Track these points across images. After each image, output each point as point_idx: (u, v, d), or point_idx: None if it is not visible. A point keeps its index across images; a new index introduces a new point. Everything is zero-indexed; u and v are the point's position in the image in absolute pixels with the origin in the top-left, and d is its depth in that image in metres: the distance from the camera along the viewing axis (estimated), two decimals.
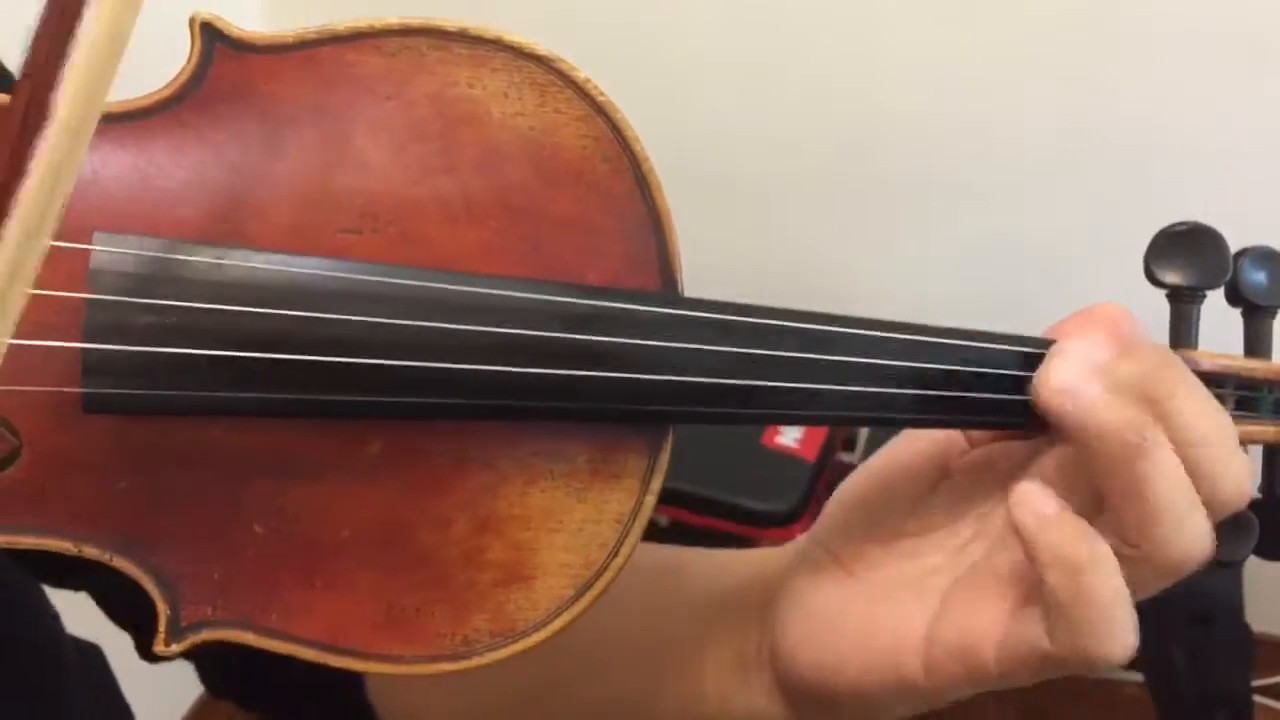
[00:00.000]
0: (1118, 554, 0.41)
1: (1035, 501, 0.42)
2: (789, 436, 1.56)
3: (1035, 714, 1.62)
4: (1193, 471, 0.41)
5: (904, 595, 0.47)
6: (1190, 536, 0.40)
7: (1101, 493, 0.42)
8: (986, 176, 1.53)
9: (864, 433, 1.73)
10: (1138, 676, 1.40)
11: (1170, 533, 0.40)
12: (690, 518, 1.35)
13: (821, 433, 1.58)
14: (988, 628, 0.43)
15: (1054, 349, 0.44)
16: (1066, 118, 1.47)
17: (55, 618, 0.63)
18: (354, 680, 0.62)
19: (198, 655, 0.66)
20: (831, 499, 0.52)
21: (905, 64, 1.51)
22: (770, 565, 0.54)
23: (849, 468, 1.75)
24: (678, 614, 0.56)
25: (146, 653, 0.66)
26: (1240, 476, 0.41)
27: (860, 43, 1.51)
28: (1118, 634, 0.40)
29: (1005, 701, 1.64)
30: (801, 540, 0.53)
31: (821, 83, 1.54)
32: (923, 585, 0.47)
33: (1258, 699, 1.48)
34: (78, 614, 0.64)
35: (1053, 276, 1.51)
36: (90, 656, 0.66)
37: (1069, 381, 0.42)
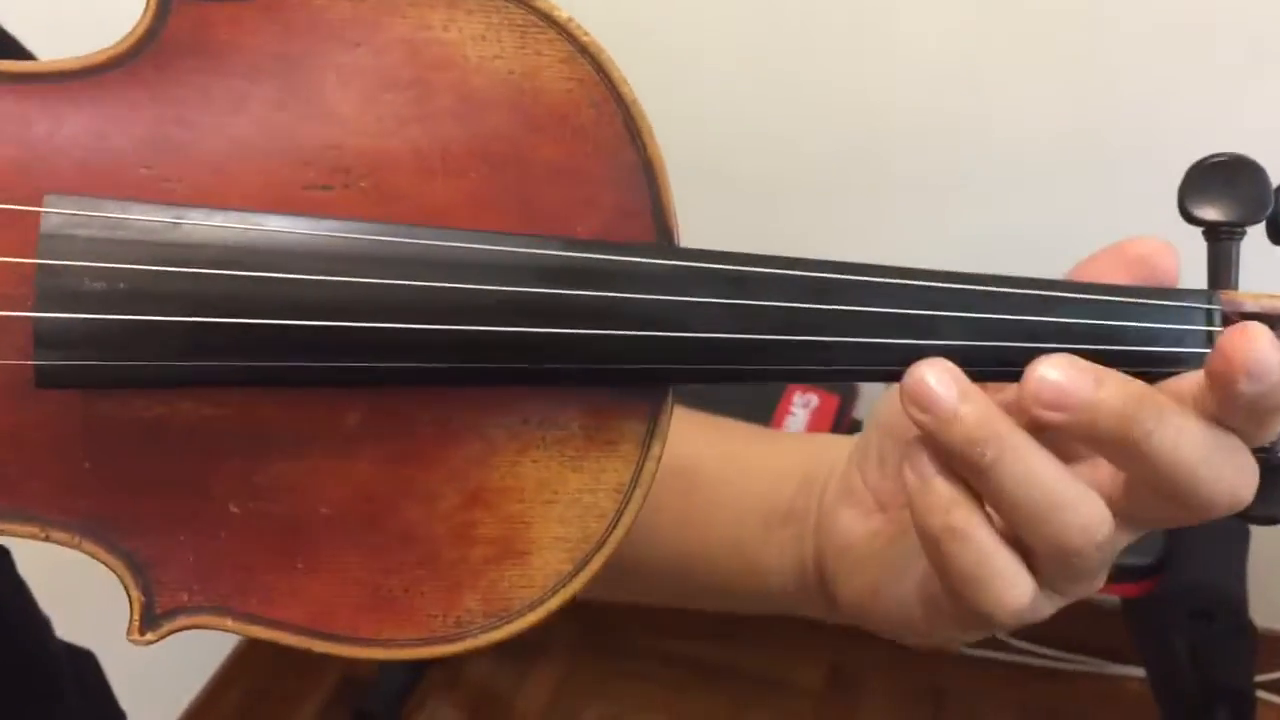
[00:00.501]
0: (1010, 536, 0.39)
1: (916, 462, 0.40)
2: (798, 419, 1.54)
3: (1037, 710, 1.59)
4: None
5: (911, 546, 0.45)
6: (1061, 529, 0.38)
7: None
8: (987, 174, 1.50)
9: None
10: (1140, 672, 1.37)
11: (1041, 530, 0.38)
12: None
13: (826, 425, 1.57)
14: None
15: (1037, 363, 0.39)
16: (1068, 116, 1.44)
17: (46, 624, 0.61)
18: None
19: None
20: (869, 417, 0.51)
21: (905, 61, 1.48)
22: (821, 472, 0.53)
23: None
24: (734, 512, 0.56)
25: None
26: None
27: (861, 39, 1.49)
28: (990, 598, 0.39)
29: (1005, 697, 1.63)
30: (849, 451, 0.52)
31: (821, 79, 1.52)
32: None
33: (1260, 694, 1.45)
34: (71, 620, 0.62)
35: (1048, 273, 1.48)
36: (83, 663, 0.65)
37: (921, 389, 0.38)
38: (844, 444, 0.53)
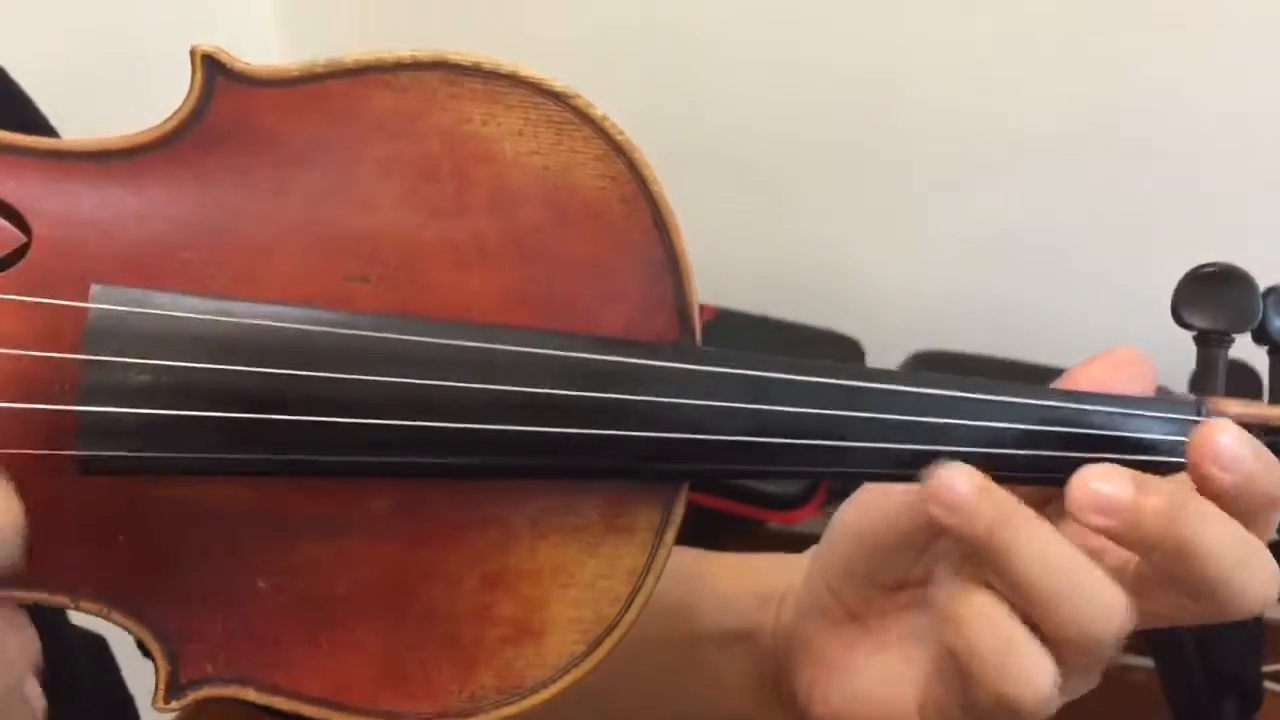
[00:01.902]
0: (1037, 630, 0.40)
1: (939, 571, 0.42)
2: None
3: None
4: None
5: (905, 652, 0.46)
6: (1084, 610, 0.40)
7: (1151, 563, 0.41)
8: (995, 165, 1.51)
9: None
10: (1148, 662, 1.40)
11: (1063, 613, 0.40)
12: (696, 498, 1.33)
13: None
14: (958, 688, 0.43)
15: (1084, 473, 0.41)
16: (1076, 107, 1.45)
17: (60, 609, 0.61)
18: None
19: None
20: (830, 526, 0.51)
21: (911, 50, 1.48)
22: (780, 589, 0.53)
23: None
24: (688, 632, 0.55)
25: None
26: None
27: (870, 31, 1.48)
28: (1015, 681, 0.40)
29: None
30: (810, 563, 0.52)
31: (830, 68, 1.51)
32: (923, 641, 0.46)
33: (1268, 685, 1.47)
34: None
35: (1056, 264, 1.50)
36: (94, 648, 0.66)
37: (944, 486, 0.40)
38: (794, 562, 0.53)
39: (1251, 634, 1.33)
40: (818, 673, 0.49)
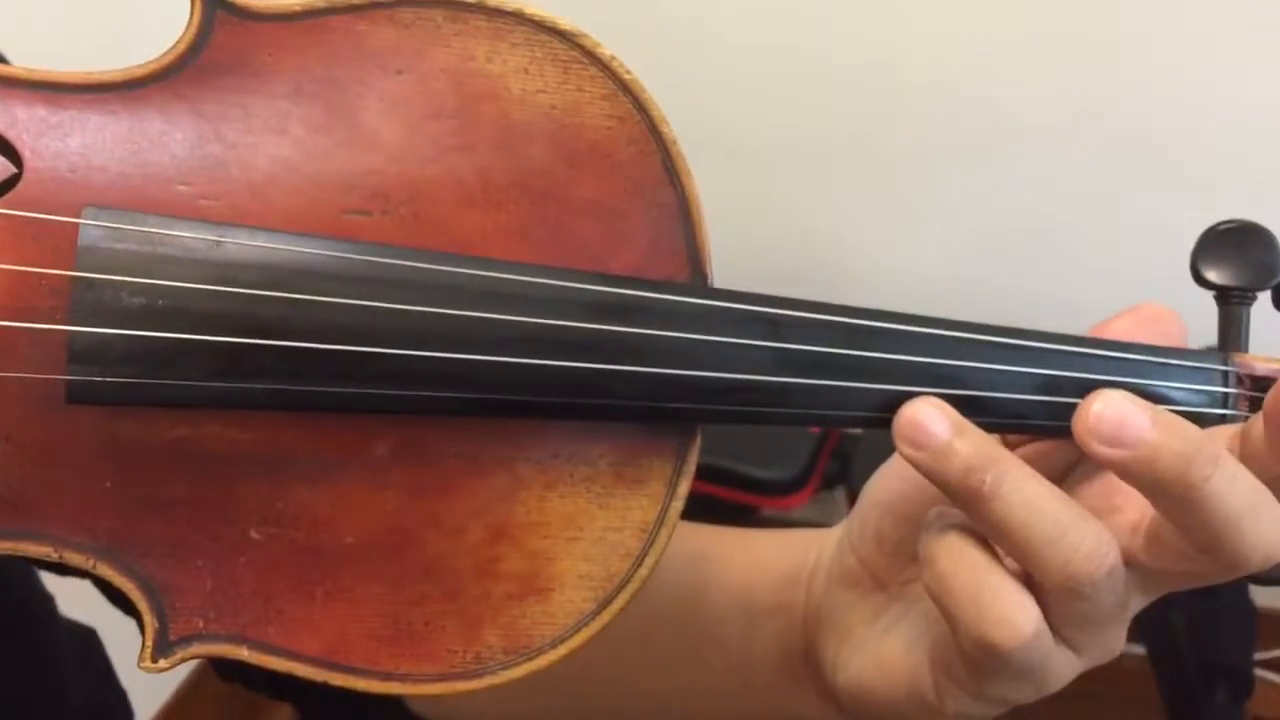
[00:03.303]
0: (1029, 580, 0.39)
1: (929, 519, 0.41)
2: None
3: None
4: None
5: (925, 617, 0.45)
6: (1070, 555, 0.38)
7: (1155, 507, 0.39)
8: (989, 149, 1.51)
9: None
10: (1140, 649, 1.38)
11: (1048, 558, 0.38)
12: (693, 484, 1.31)
13: None
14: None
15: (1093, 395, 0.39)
16: (1070, 92, 1.45)
17: (49, 599, 0.59)
18: None
19: None
20: (863, 495, 0.50)
21: (910, 37, 1.49)
22: (807, 564, 0.52)
23: (852, 437, 1.71)
24: (712, 612, 0.54)
25: (113, 597, 0.63)
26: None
27: (867, 15, 1.49)
28: (990, 618, 0.38)
29: None
30: (837, 539, 0.51)
31: (827, 54, 1.52)
32: None
33: (1259, 673, 1.45)
34: (74, 597, 0.61)
35: (1053, 251, 1.49)
36: (85, 640, 0.64)
37: (916, 423, 0.39)
38: (824, 536, 0.52)
39: (1243, 622, 1.33)
40: (843, 642, 0.47)
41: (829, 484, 1.57)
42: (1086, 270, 1.48)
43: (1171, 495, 0.37)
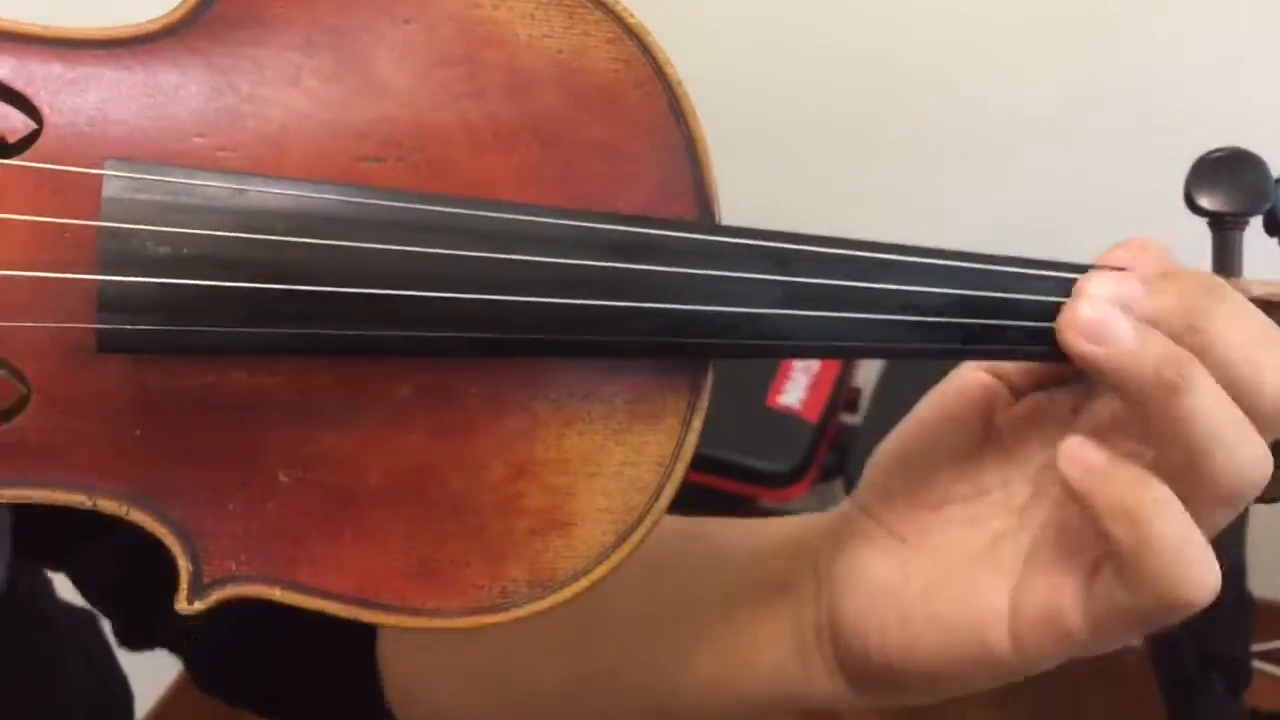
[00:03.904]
0: (1176, 491, 0.38)
1: (1081, 455, 0.40)
2: (792, 396, 1.55)
3: (1032, 679, 1.60)
4: (1236, 391, 0.38)
5: (979, 567, 0.44)
6: (1245, 464, 0.38)
7: (1147, 433, 0.40)
8: (992, 140, 1.51)
9: (867, 394, 1.72)
10: (1136, 641, 1.39)
11: (1223, 465, 0.38)
12: (691, 475, 1.31)
13: (824, 393, 1.57)
14: (1070, 593, 0.41)
15: (1077, 285, 0.42)
16: (1071, 85, 1.46)
17: (47, 582, 0.60)
18: (364, 681, 0.59)
19: (186, 647, 0.63)
20: (869, 464, 0.49)
21: (915, 28, 1.49)
22: (813, 535, 0.51)
23: (851, 429, 1.72)
24: (718, 590, 0.52)
25: (125, 638, 0.63)
26: None
27: (865, 7, 1.49)
28: (1195, 575, 0.38)
29: None
30: (843, 507, 0.50)
31: (823, 42, 1.52)
32: (997, 555, 0.44)
33: (1257, 664, 1.46)
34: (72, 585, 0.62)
35: (1055, 243, 1.50)
36: (84, 624, 0.64)
37: (1093, 322, 0.39)
38: (822, 516, 0.51)
39: (1240, 613, 1.33)
40: (872, 601, 0.46)
41: (827, 475, 1.57)
42: (1088, 260, 1.49)
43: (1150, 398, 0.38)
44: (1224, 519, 0.39)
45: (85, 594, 0.63)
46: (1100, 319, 0.40)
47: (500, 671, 0.56)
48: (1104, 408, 0.44)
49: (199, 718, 1.58)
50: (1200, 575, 0.38)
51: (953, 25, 1.48)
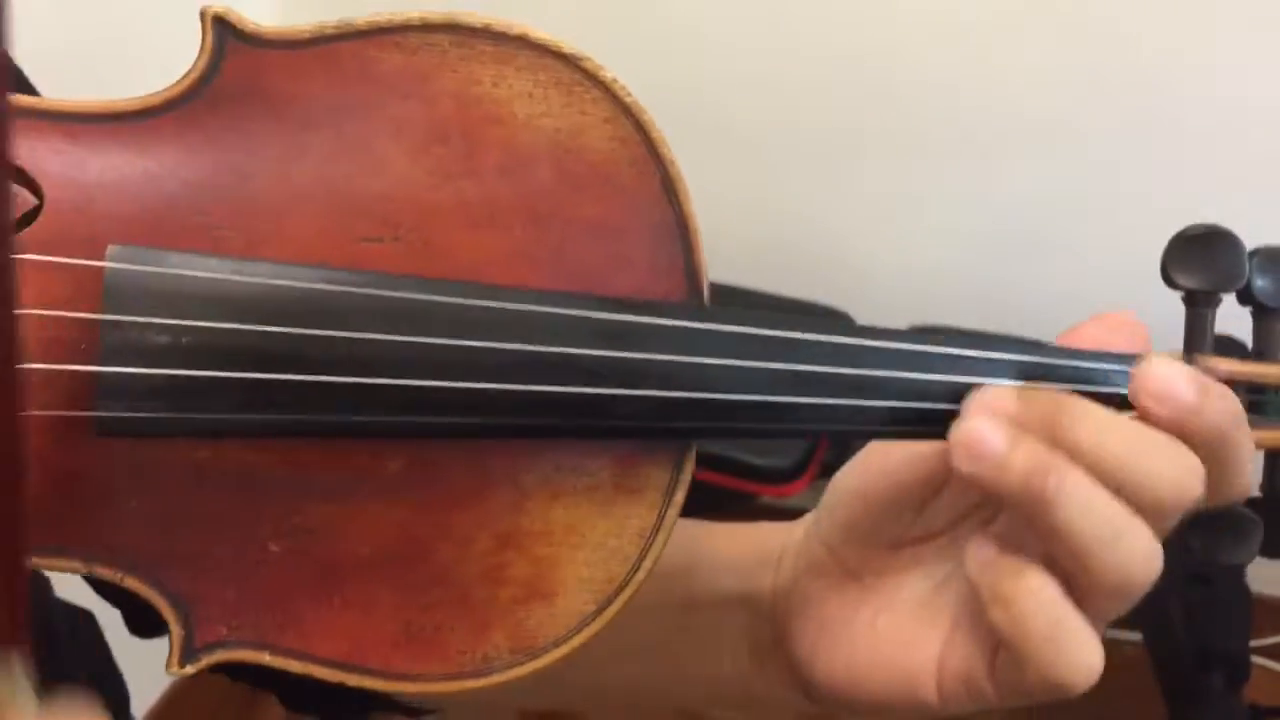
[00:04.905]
0: (1069, 584, 0.40)
1: (975, 548, 0.42)
2: None
3: None
4: (1120, 488, 0.40)
5: (920, 614, 0.46)
6: (1126, 560, 0.40)
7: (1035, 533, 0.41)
8: (985, 138, 1.51)
9: None
10: (1136, 636, 1.40)
11: (1106, 561, 0.39)
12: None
13: None
14: (981, 664, 0.43)
15: (964, 403, 0.42)
16: (1067, 82, 1.45)
17: (45, 583, 0.61)
18: None
19: None
20: (830, 490, 0.51)
21: (908, 26, 1.48)
22: (774, 547, 0.53)
23: None
24: (695, 591, 0.55)
25: (135, 628, 0.64)
26: (1170, 475, 0.40)
27: (863, 8, 1.48)
28: (1070, 661, 0.40)
29: None
30: (807, 526, 0.52)
31: (822, 41, 1.51)
32: (936, 604, 0.46)
33: (1256, 659, 1.47)
34: (71, 581, 0.63)
35: (1048, 240, 1.51)
36: (81, 622, 0.65)
37: (973, 438, 0.40)
38: (787, 528, 0.53)
39: (1239, 608, 1.34)
40: (820, 634, 0.48)
41: (826, 472, 1.55)
42: (1085, 264, 1.50)
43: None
44: (1117, 608, 0.41)
45: (93, 585, 0.63)
46: (974, 435, 0.40)
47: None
48: None
49: (204, 713, 1.59)
50: (1076, 661, 0.40)
51: (951, 31, 1.47)
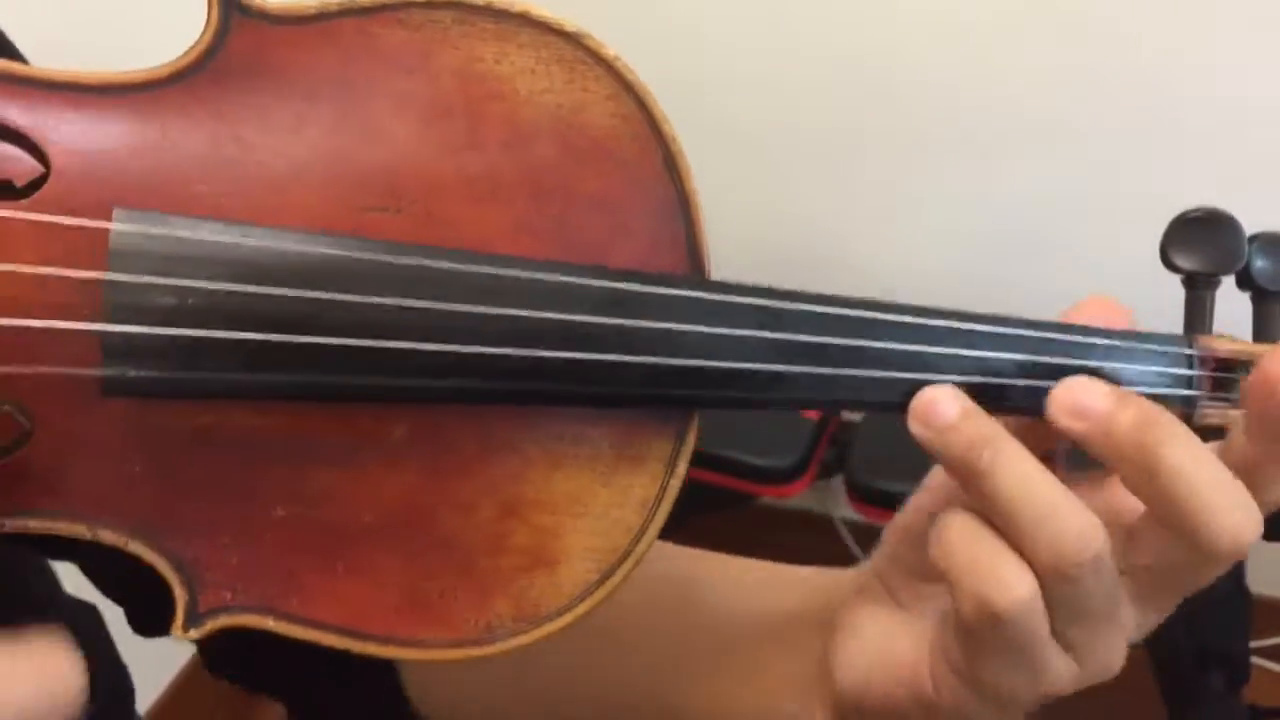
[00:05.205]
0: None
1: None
2: None
3: None
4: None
5: (931, 613, 0.48)
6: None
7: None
8: (986, 138, 1.52)
9: None
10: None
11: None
12: (690, 472, 1.31)
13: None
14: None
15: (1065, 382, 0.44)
16: (1070, 83, 1.46)
17: (53, 577, 0.61)
18: (383, 667, 0.61)
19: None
20: (888, 527, 0.53)
21: (910, 26, 1.49)
22: (829, 590, 0.54)
23: (851, 425, 1.70)
24: (749, 620, 0.56)
25: (139, 626, 0.64)
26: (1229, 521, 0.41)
27: (864, 7, 1.49)
28: (987, 583, 0.41)
29: None
30: (864, 568, 0.54)
31: (825, 41, 1.52)
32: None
33: (1255, 660, 1.46)
34: (74, 575, 0.63)
35: (1049, 240, 1.51)
36: (85, 616, 0.65)
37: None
38: (851, 571, 0.55)
39: (1239, 609, 1.34)
40: (849, 639, 0.50)
41: (827, 472, 1.56)
42: (1085, 264, 1.50)
43: (1134, 463, 0.41)
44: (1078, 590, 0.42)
45: (96, 583, 0.64)
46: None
47: (519, 661, 0.59)
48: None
49: (204, 712, 1.59)
50: (999, 576, 0.41)
51: (952, 30, 1.48)
